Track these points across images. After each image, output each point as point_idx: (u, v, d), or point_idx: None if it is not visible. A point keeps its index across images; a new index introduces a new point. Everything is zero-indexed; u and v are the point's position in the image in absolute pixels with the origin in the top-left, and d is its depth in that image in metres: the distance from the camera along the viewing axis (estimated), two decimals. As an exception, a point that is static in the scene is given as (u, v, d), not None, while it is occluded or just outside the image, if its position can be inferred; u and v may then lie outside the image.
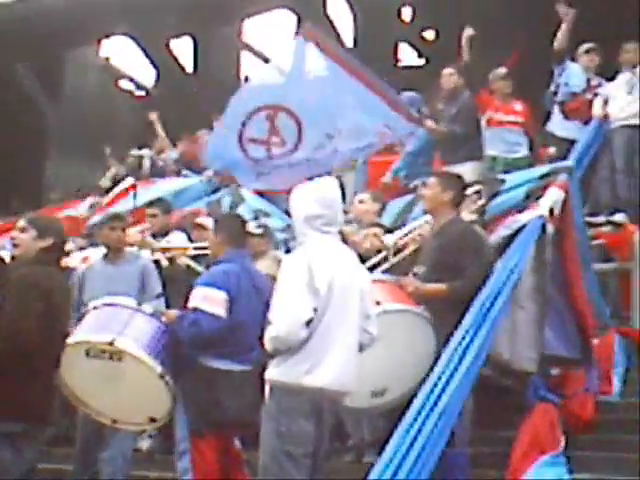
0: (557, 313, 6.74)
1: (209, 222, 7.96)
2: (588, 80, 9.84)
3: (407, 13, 20.01)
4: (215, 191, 11.91)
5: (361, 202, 8.41)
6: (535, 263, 6.26)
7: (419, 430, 4.94)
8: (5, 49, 17.92)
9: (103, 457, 7.02)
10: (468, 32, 10.36)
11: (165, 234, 8.73)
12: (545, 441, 6.21)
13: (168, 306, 7.21)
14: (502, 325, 6.04)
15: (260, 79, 8.67)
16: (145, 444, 8.01)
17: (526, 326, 6.19)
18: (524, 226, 6.43)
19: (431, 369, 5.62)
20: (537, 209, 6.57)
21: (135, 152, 15.89)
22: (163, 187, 12.72)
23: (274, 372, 5.10)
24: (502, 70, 10.26)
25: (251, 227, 7.09)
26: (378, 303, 5.86)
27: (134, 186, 9.78)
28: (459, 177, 6.85)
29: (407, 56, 20.33)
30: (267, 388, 5.19)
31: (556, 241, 6.63)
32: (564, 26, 9.63)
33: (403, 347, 6.01)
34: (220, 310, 6.08)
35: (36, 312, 4.97)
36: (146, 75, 21.44)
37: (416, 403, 5.15)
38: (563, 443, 6.26)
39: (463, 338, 5.53)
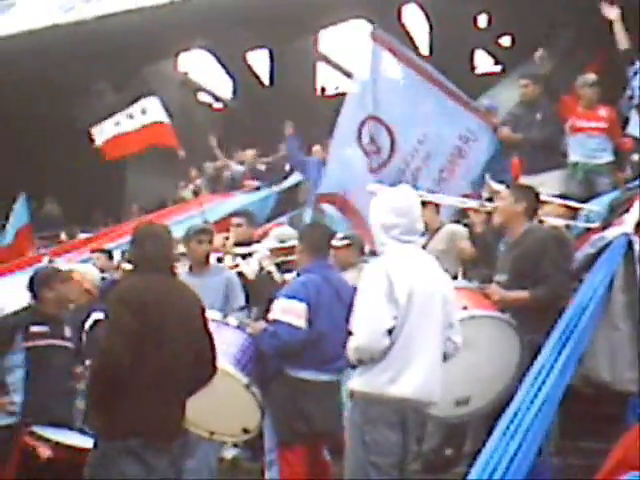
0: None
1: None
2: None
3: (482, 20, 19.93)
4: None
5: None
6: (625, 282, 6.08)
7: (512, 436, 4.90)
8: (85, 65, 18.25)
9: (188, 467, 7.08)
10: (539, 54, 10.26)
11: (248, 245, 8.80)
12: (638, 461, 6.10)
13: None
14: (600, 347, 5.97)
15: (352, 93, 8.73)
16: (229, 453, 8.09)
17: (624, 347, 6.05)
18: (610, 243, 6.30)
19: (516, 379, 5.57)
20: (622, 225, 6.40)
21: (210, 165, 16.15)
22: (244, 199, 12.90)
23: (357, 382, 5.10)
24: (590, 76, 10.11)
25: (335, 239, 7.10)
26: (465, 308, 5.87)
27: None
28: (531, 188, 6.77)
29: (483, 63, 20.25)
30: (349, 398, 5.21)
31: None
32: (616, 26, 9.44)
33: (488, 355, 5.97)
34: (300, 321, 6.12)
35: (126, 330, 4.85)
36: (224, 88, 21.68)
37: (509, 410, 5.11)
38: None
39: (550, 355, 5.46)
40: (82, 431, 6.44)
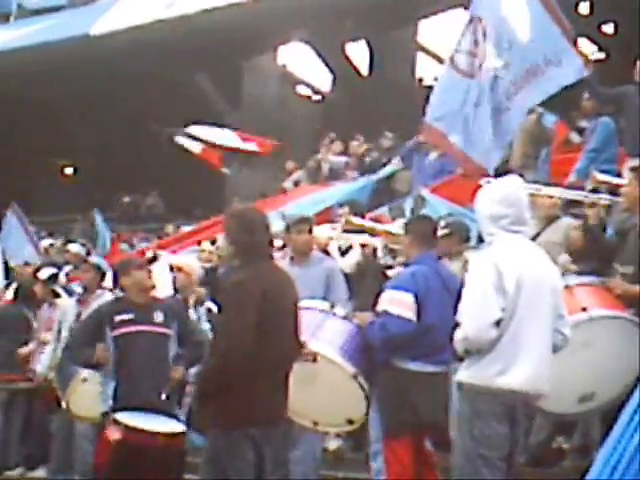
0: None
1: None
2: None
3: (584, 7, 19.61)
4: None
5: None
6: None
7: (635, 430, 4.79)
8: (186, 61, 18.50)
9: (293, 457, 7.11)
10: None
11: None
12: None
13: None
14: None
15: None
16: (333, 444, 8.11)
17: None
18: None
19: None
20: None
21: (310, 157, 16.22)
22: (341, 190, 12.88)
23: (465, 374, 5.07)
24: None
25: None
26: (584, 309, 5.75)
27: None
28: None
29: (586, 50, 19.91)
30: (456, 390, 5.18)
31: None
32: None
33: (612, 352, 5.83)
34: (409, 313, 6.08)
35: (251, 325, 4.92)
36: (323, 80, 21.74)
37: (630, 405, 5.00)
38: None
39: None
40: (169, 414, 6.49)
